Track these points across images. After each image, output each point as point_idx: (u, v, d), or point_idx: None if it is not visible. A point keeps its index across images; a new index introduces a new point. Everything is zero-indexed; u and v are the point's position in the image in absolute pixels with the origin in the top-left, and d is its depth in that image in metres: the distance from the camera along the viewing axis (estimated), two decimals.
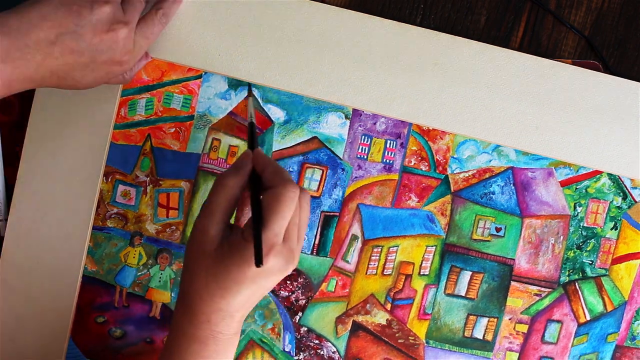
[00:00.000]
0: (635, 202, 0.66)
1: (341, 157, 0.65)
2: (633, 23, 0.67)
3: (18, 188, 0.65)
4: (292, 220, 0.51)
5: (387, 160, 0.66)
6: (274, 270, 0.51)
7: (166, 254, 0.66)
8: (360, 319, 0.66)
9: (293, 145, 0.65)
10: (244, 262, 0.50)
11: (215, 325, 0.52)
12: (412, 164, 0.66)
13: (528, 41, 0.66)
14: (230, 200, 0.52)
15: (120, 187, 0.66)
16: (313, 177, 0.66)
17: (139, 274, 0.66)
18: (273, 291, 0.66)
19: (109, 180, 0.65)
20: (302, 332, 0.67)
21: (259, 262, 0.48)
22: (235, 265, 0.50)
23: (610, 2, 0.66)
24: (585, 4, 0.66)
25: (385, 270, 0.66)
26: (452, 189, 0.66)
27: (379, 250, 0.66)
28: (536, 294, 0.66)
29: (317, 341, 0.67)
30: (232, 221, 0.55)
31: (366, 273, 0.66)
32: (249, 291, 0.51)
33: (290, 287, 0.66)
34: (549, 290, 0.66)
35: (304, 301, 0.66)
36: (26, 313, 0.65)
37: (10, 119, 0.66)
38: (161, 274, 0.66)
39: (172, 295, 0.66)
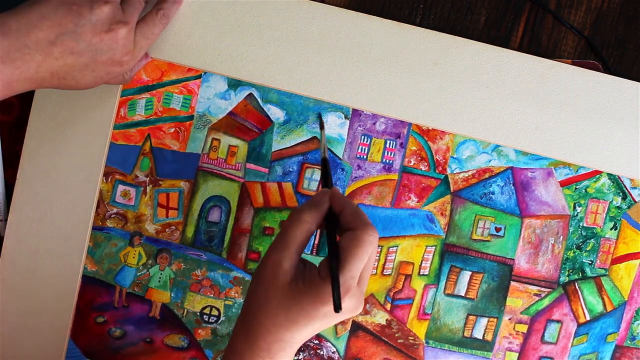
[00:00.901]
0: (635, 202, 0.66)
1: (341, 157, 0.65)
2: (633, 23, 0.67)
3: (18, 188, 0.65)
4: (367, 263, 0.52)
5: (387, 160, 0.66)
6: (346, 311, 0.51)
7: (166, 254, 0.66)
8: (359, 319, 0.66)
9: (292, 145, 0.65)
10: (319, 300, 0.50)
11: (274, 354, 0.52)
12: (412, 164, 0.66)
13: (528, 41, 0.66)
14: (306, 235, 0.53)
15: (120, 187, 0.66)
16: (313, 177, 0.66)
17: (139, 274, 0.66)
18: None
19: (109, 180, 0.65)
20: None
21: (338, 308, 0.49)
22: (310, 302, 0.51)
23: (610, 2, 0.66)
24: (585, 4, 0.66)
25: (384, 270, 0.66)
26: (451, 189, 0.66)
27: (379, 250, 0.66)
28: (536, 294, 0.66)
29: (316, 341, 0.67)
30: None
31: None
32: (315, 327, 0.52)
33: None
34: (549, 290, 0.66)
35: None
36: (26, 313, 0.65)
37: (10, 119, 0.66)
38: (161, 274, 0.66)
39: (172, 295, 0.66)
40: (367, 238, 0.51)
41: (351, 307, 0.51)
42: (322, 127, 0.63)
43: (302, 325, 0.51)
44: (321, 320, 0.51)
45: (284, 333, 0.51)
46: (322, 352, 0.67)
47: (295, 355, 0.66)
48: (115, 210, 0.66)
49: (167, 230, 0.66)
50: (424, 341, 0.67)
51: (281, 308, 0.51)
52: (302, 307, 0.51)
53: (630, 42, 0.67)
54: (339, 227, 0.54)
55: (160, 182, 0.66)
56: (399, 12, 0.66)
